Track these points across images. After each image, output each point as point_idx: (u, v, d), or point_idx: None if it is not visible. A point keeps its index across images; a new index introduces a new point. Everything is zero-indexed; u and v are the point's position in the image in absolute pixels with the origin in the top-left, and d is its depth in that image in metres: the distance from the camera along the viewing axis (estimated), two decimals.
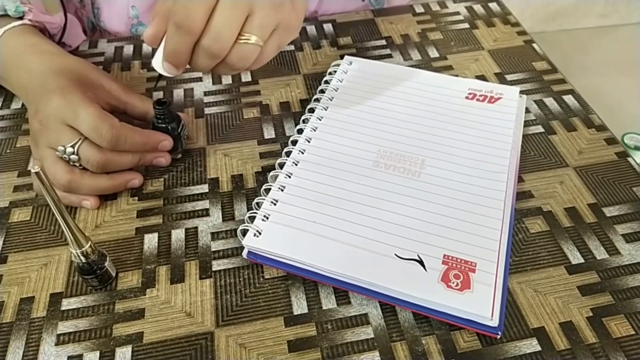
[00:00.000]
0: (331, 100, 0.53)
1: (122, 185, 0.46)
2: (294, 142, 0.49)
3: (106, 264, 0.40)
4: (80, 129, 0.42)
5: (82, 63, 0.48)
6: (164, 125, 0.47)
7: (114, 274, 0.41)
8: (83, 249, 0.38)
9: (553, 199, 0.47)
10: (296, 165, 0.46)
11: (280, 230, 0.41)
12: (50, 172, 0.43)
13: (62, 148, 0.42)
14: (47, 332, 0.38)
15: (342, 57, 0.59)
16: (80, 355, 0.37)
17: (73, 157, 0.43)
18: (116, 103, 0.48)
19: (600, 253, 0.43)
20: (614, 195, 0.47)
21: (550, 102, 0.56)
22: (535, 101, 0.56)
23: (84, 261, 0.39)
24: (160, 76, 0.42)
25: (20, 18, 0.52)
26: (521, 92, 0.55)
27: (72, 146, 0.42)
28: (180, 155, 0.49)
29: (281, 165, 0.47)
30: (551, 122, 0.54)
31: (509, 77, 0.59)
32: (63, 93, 0.43)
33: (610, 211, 0.46)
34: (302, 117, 0.51)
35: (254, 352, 0.37)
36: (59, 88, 0.44)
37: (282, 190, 0.44)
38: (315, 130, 0.50)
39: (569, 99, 0.56)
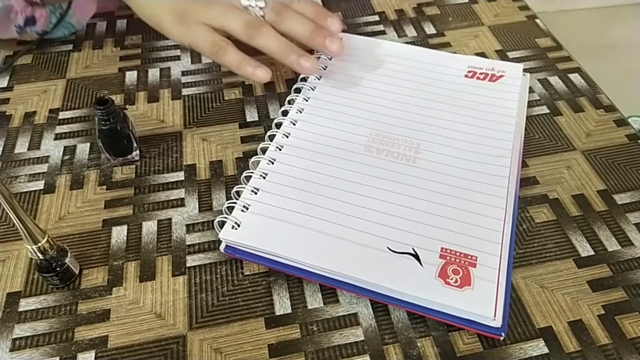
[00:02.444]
0: (319, 79, 0.49)
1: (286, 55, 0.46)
2: (278, 125, 0.45)
3: (67, 260, 0.36)
4: None
5: None
6: (110, 126, 0.41)
7: (77, 271, 0.37)
8: (39, 245, 0.34)
9: (560, 185, 0.43)
10: (280, 150, 0.42)
11: (261, 221, 0.37)
12: (232, 19, 0.45)
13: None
14: (2, 336, 0.35)
15: None
16: None
17: (260, 2, 0.45)
18: None
19: (611, 244, 0.39)
20: (625, 180, 0.43)
21: (555, 81, 0.52)
22: (539, 80, 0.52)
23: (41, 258, 0.35)
24: None
25: None
26: (524, 70, 0.51)
27: None
28: (138, 157, 0.45)
29: (263, 151, 0.43)
30: (557, 102, 0.50)
31: (510, 55, 0.55)
32: None
33: (621, 198, 0.42)
34: (288, 98, 0.47)
35: (231, 358, 0.33)
36: None
37: (263, 177, 0.40)
38: (301, 112, 0.46)
39: (575, 77, 0.52)
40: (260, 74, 0.44)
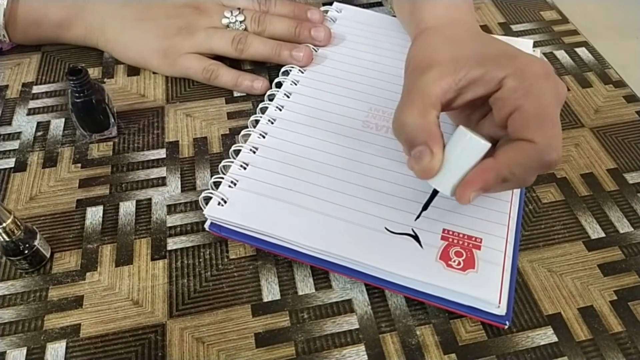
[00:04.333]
0: (316, 51, 0.46)
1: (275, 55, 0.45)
2: (271, 98, 0.42)
3: (36, 242, 0.33)
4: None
5: None
6: (85, 99, 0.38)
7: (47, 255, 0.34)
8: (4, 225, 0.31)
9: (567, 163, 0.40)
10: (272, 123, 0.39)
11: (250, 198, 0.35)
12: (218, 40, 0.45)
13: (227, 17, 0.45)
14: None
15: (330, 4, 0.51)
16: (3, 353, 0.30)
17: (239, 17, 0.45)
18: None
19: (623, 226, 0.36)
20: (636, 159, 0.41)
21: (561, 55, 0.49)
22: (545, 54, 0.49)
23: (7, 240, 0.32)
24: (435, 196, 0.32)
25: None
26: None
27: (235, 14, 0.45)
28: (115, 134, 0.42)
29: (254, 124, 0.40)
30: (563, 77, 0.47)
31: (515, 28, 0.52)
32: None
33: (633, 177, 0.39)
34: (282, 69, 0.44)
35: (214, 348, 0.31)
36: None
37: (253, 152, 0.37)
38: (295, 84, 0.43)
39: (582, 51, 0.50)
40: (258, 86, 0.44)
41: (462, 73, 0.30)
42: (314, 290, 0.33)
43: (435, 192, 0.32)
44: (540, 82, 0.29)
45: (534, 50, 0.47)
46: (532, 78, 0.29)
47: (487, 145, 0.29)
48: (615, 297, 0.33)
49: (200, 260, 0.35)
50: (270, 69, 0.47)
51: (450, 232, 0.33)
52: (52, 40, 0.48)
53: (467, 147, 0.30)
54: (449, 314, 0.32)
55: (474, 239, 0.33)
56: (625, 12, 1.71)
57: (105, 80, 0.46)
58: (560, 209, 0.37)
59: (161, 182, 0.39)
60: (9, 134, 0.42)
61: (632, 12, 1.72)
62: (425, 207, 0.33)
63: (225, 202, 0.34)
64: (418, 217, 0.33)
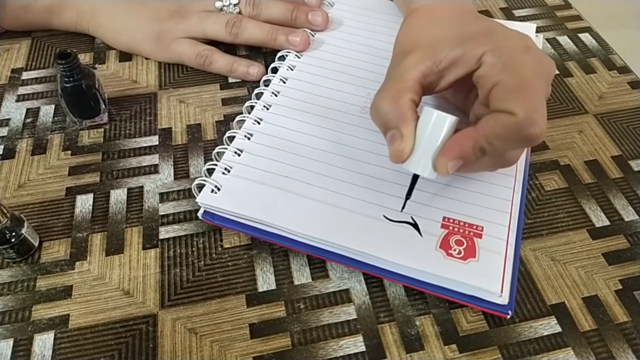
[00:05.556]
0: (313, 35, 0.44)
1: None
2: (267, 83, 0.41)
3: (23, 230, 0.32)
4: None
5: None
6: (74, 84, 0.37)
7: (36, 244, 0.33)
8: None
9: (571, 150, 0.39)
10: (267, 109, 0.38)
11: (244, 185, 0.33)
12: (212, 24, 0.43)
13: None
14: None
15: None
16: None
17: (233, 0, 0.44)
18: None
19: (628, 214, 0.36)
20: None
21: (565, 40, 0.48)
22: (548, 40, 0.48)
23: None
24: (416, 181, 0.31)
25: None
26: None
27: None
28: (106, 120, 0.40)
29: (249, 110, 0.38)
30: (567, 63, 0.46)
31: (517, 13, 0.51)
32: None
33: (638, 164, 0.38)
34: (278, 54, 0.43)
35: (207, 339, 0.30)
36: None
37: (248, 138, 0.36)
38: (292, 70, 0.41)
39: (585, 37, 0.48)
40: (254, 71, 0.43)
41: (442, 55, 0.30)
42: (310, 280, 0.32)
43: (415, 177, 0.31)
44: (519, 55, 0.29)
45: (537, 36, 0.45)
46: (511, 52, 0.29)
47: (453, 118, 0.29)
48: (620, 287, 0.32)
49: (194, 249, 0.33)
50: (266, 55, 0.46)
51: (451, 220, 0.32)
52: (42, 26, 0.47)
53: (435, 124, 0.29)
54: (450, 303, 0.31)
55: (475, 227, 0.32)
56: (628, 2, 1.69)
57: (96, 66, 0.45)
58: (563, 196, 0.36)
59: (153, 169, 0.38)
60: None
61: (635, 1, 1.70)
62: (408, 195, 0.32)
63: (218, 189, 0.33)
64: (403, 206, 0.32)
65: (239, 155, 0.35)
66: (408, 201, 0.32)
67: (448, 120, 0.29)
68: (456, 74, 0.30)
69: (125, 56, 0.46)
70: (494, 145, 0.28)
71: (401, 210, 0.32)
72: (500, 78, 0.28)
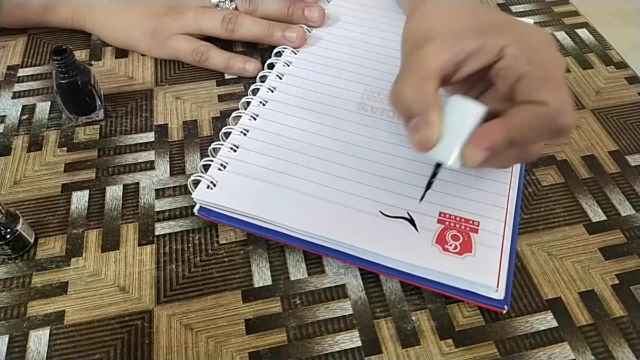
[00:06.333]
0: (310, 31, 0.44)
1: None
2: (263, 79, 0.40)
3: (19, 226, 0.32)
4: None
5: None
6: (69, 80, 0.37)
7: (31, 240, 0.33)
8: None
9: (568, 145, 0.39)
10: (264, 105, 0.38)
11: (240, 181, 0.33)
12: (207, 20, 0.43)
13: None
14: None
15: None
16: None
17: None
18: None
19: (624, 208, 0.35)
20: (638, 140, 0.40)
21: (562, 36, 0.48)
22: None
23: None
24: (438, 170, 0.31)
25: None
26: None
27: None
28: (102, 117, 0.40)
29: (246, 106, 0.38)
30: (564, 58, 0.46)
31: (514, 9, 0.50)
32: None
33: (635, 160, 0.38)
34: (274, 50, 0.43)
35: (203, 335, 0.30)
36: None
37: (244, 134, 0.36)
38: (288, 66, 0.41)
39: (583, 32, 0.48)
40: (250, 68, 0.43)
41: (461, 45, 0.29)
42: (306, 276, 0.32)
43: (437, 167, 0.30)
44: (543, 48, 0.28)
45: None
46: (534, 45, 0.28)
47: (484, 108, 0.28)
48: (616, 281, 0.32)
49: (189, 245, 0.33)
50: (262, 51, 0.46)
51: (447, 215, 0.32)
52: (38, 23, 0.47)
53: (464, 114, 0.28)
54: (446, 298, 0.31)
55: (471, 222, 0.32)
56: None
57: (92, 62, 0.45)
58: (560, 191, 0.36)
59: (149, 165, 0.38)
60: None
61: None
62: (428, 186, 0.31)
63: (214, 185, 0.33)
64: (422, 197, 0.32)
65: (235, 151, 0.35)
66: (404, 197, 0.32)
67: (479, 110, 0.28)
68: (474, 66, 0.30)
69: (121, 53, 0.45)
70: (525, 137, 0.27)
71: (419, 201, 0.32)
72: (527, 69, 0.27)
